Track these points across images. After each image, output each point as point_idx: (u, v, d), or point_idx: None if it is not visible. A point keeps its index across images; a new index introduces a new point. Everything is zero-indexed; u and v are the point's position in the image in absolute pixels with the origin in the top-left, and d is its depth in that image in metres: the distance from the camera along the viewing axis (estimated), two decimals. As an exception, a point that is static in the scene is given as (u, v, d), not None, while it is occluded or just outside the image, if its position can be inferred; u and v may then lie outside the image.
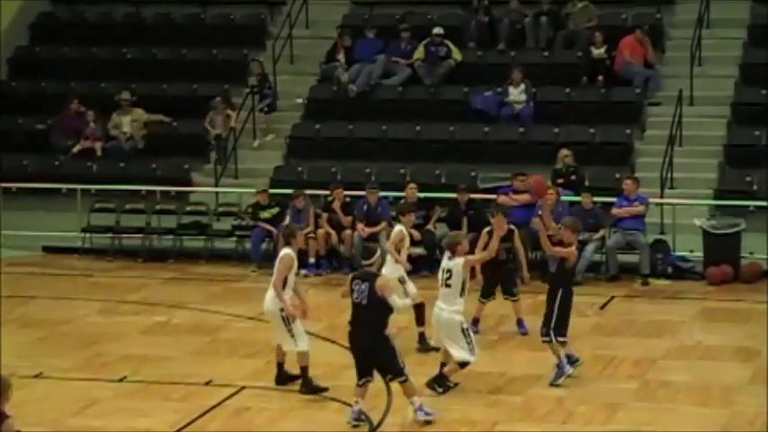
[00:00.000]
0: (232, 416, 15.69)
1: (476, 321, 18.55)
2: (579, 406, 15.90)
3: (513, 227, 18.47)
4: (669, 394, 16.41)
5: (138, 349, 18.44)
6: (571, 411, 15.74)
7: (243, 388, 16.28)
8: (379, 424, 15.32)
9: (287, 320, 15.72)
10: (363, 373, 14.84)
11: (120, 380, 17.03)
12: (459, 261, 15.73)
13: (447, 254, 15.99)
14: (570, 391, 16.41)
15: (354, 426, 14.73)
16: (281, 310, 15.68)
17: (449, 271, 15.80)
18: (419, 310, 17.67)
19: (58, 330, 19.39)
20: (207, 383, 16.67)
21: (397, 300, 14.99)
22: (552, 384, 16.30)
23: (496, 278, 18.49)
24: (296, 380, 16.06)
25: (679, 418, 15.52)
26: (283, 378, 16.23)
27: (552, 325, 16.29)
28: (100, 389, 16.72)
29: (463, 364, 16.02)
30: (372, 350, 14.71)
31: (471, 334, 16.00)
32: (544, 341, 16.41)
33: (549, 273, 16.79)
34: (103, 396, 16.46)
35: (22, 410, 13.03)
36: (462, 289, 15.83)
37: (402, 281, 17.73)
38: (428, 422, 14.86)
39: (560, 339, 16.36)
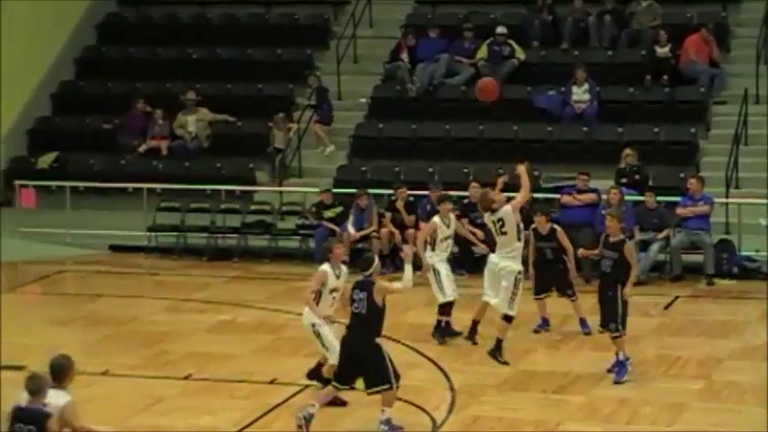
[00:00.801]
0: (295, 414, 15.73)
1: (545, 321, 18.65)
2: (644, 406, 15.83)
3: (555, 226, 18.59)
4: (735, 395, 16.30)
5: (202, 347, 18.52)
6: (635, 411, 15.67)
7: (306, 386, 16.29)
8: (443, 423, 15.32)
9: (318, 335, 15.66)
10: (344, 380, 14.67)
11: (186, 378, 17.12)
12: (506, 208, 16.71)
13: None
14: (634, 392, 16.34)
15: (299, 426, 14.54)
16: (313, 324, 15.61)
17: (500, 220, 16.67)
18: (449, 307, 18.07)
19: (124, 328, 19.51)
20: (271, 382, 16.72)
21: (398, 284, 14.98)
22: (617, 383, 16.25)
23: (548, 278, 18.55)
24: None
25: (745, 419, 15.42)
26: (314, 376, 16.21)
27: (619, 320, 16.31)
28: (165, 386, 16.81)
29: (508, 318, 16.83)
30: (366, 359, 14.53)
31: (520, 287, 16.81)
32: (614, 336, 16.37)
33: (604, 273, 16.68)
34: (169, 394, 16.55)
35: (88, 407, 13.08)
36: (518, 233, 16.71)
37: (436, 271, 17.96)
38: None
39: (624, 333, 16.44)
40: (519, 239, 16.84)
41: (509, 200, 17.17)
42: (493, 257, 17.22)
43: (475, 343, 17.65)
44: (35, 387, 11.52)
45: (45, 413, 11.38)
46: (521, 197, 17.05)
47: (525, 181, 17.06)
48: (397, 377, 14.65)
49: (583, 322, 18.53)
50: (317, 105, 26.24)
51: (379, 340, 14.57)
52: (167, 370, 17.45)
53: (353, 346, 14.59)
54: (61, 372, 11.90)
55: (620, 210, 19.46)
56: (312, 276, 15.85)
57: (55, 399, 11.63)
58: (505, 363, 16.91)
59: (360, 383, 14.71)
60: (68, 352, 17.13)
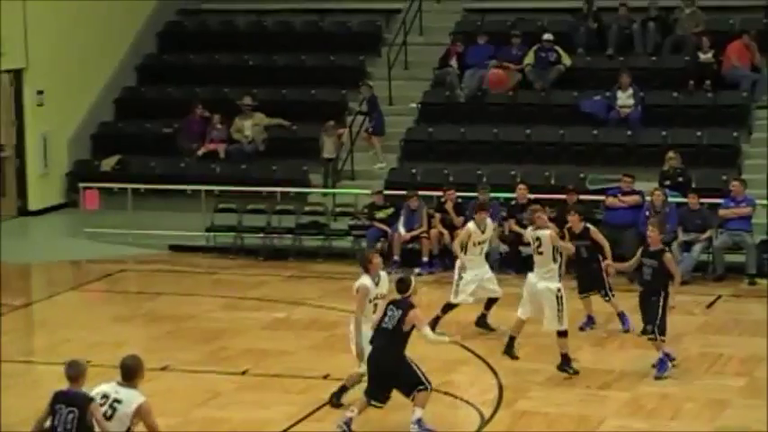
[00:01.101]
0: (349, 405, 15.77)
1: (590, 319, 18.61)
2: (686, 403, 15.79)
3: (588, 225, 18.60)
4: (776, 391, 16.25)
5: (259, 344, 18.57)
6: (678, 408, 15.63)
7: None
8: (491, 418, 15.32)
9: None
10: (379, 397, 14.51)
11: (243, 373, 17.17)
12: (546, 232, 16.74)
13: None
14: (677, 388, 16.30)
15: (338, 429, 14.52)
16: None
17: (538, 239, 16.75)
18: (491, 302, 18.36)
19: (183, 325, 19.58)
20: (324, 377, 16.74)
21: (429, 332, 14.80)
22: (658, 378, 16.23)
23: (586, 276, 18.63)
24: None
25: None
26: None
27: (657, 323, 16.28)
28: (223, 381, 16.88)
29: (562, 333, 16.58)
30: (394, 373, 14.43)
31: (564, 302, 16.63)
32: (650, 338, 16.36)
33: (646, 281, 16.65)
34: (226, 388, 16.62)
35: (150, 401, 13.11)
36: (555, 254, 16.68)
37: (461, 275, 18.03)
38: None
39: (662, 338, 16.37)
40: (555, 260, 16.76)
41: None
42: (531, 277, 17.08)
43: (515, 357, 17.31)
44: (75, 372, 11.64)
45: (87, 397, 11.49)
46: (569, 246, 17.50)
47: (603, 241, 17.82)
48: (429, 382, 14.62)
49: (622, 317, 18.50)
50: (368, 114, 26.25)
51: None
52: (225, 365, 17.51)
53: (382, 363, 14.44)
54: (131, 372, 11.99)
55: (662, 219, 19.47)
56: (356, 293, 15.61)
57: (128, 397, 11.73)
58: (576, 371, 16.64)
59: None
60: (130, 348, 17.32)
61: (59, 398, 11.58)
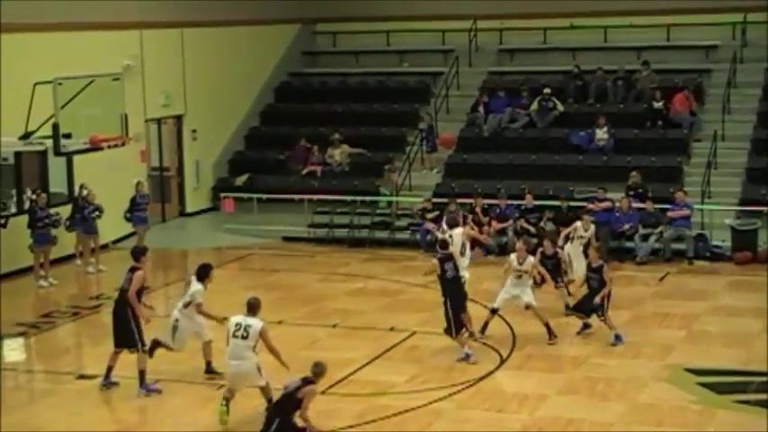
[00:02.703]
0: (407, 351, 15.82)
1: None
2: (644, 347, 15.77)
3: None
4: (707, 339, 16.23)
5: (345, 305, 18.63)
6: (639, 350, 15.63)
7: (414, 333, 16.36)
8: (508, 357, 15.30)
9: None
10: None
11: (334, 326, 17.26)
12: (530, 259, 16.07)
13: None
14: (638, 337, 16.25)
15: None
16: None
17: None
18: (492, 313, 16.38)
19: (292, 293, 19.66)
20: (390, 329, 16.81)
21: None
22: (614, 344, 15.80)
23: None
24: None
25: (714, 356, 15.28)
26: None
27: (603, 310, 15.89)
28: (320, 331, 16.97)
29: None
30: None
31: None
32: (602, 319, 15.92)
33: (593, 287, 15.90)
34: (322, 336, 16.72)
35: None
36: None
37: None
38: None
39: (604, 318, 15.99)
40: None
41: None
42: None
43: (554, 336, 16.01)
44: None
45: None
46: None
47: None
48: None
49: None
50: (426, 137, 26.18)
51: None
52: (322, 320, 17.59)
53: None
54: (253, 307, 12.41)
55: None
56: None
57: (254, 323, 12.65)
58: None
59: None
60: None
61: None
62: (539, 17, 28.43)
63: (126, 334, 14.11)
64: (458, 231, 17.20)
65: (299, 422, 11.78)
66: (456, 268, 15.29)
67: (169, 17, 25.52)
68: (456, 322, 15.01)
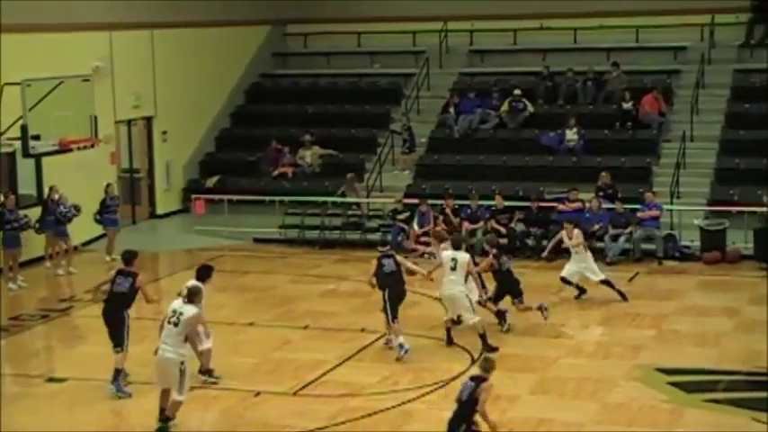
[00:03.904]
0: (379, 352, 15.81)
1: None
2: (614, 347, 15.78)
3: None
4: (677, 338, 16.29)
5: (316, 307, 18.60)
6: (609, 350, 15.64)
7: (385, 334, 16.31)
8: (479, 357, 15.30)
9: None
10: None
11: (305, 327, 17.23)
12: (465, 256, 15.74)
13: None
14: (608, 337, 16.29)
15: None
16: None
17: (453, 260, 15.56)
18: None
19: (264, 294, 19.61)
20: (362, 330, 16.78)
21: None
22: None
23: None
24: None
25: (684, 355, 15.36)
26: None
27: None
28: (292, 333, 16.94)
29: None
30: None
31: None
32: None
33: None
34: (294, 338, 16.68)
35: (242, 348, 13.26)
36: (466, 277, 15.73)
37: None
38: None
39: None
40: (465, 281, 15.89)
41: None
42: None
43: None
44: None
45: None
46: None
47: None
48: None
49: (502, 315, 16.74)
50: (406, 139, 26.09)
51: None
52: (293, 322, 17.54)
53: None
54: (192, 294, 12.79)
55: (599, 213, 19.24)
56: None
57: (187, 310, 12.54)
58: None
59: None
60: (225, 311, 17.44)
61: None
62: (509, 18, 28.50)
63: (117, 334, 14.12)
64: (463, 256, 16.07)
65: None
66: (397, 264, 15.63)
67: (139, 18, 25.40)
68: (392, 312, 15.37)
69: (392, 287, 15.53)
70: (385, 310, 15.49)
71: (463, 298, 15.56)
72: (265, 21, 30.45)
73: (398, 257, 16.02)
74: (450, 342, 15.85)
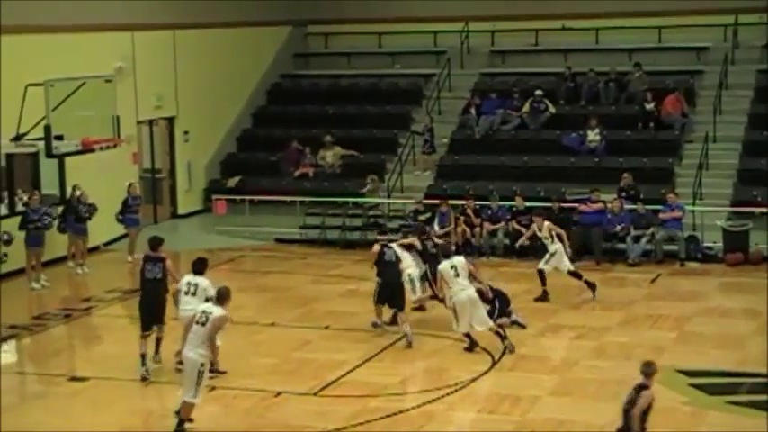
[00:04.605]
0: (399, 353, 15.82)
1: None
2: (636, 348, 15.70)
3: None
4: (699, 340, 16.23)
5: (337, 307, 18.62)
6: (630, 352, 15.54)
7: (404, 335, 16.30)
8: (500, 359, 15.30)
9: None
10: None
11: (326, 327, 17.25)
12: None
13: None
14: (630, 339, 16.26)
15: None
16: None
17: (453, 267, 15.58)
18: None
19: (284, 294, 19.65)
20: (384, 330, 16.74)
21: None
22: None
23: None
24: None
25: (706, 357, 15.30)
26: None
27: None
28: (312, 333, 16.96)
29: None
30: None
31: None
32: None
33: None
34: (314, 338, 16.70)
35: (260, 348, 13.29)
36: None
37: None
38: None
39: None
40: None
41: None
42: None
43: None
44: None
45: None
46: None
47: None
48: None
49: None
50: (427, 140, 26.11)
51: None
52: (313, 322, 17.57)
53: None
54: (223, 295, 12.84)
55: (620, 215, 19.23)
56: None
57: (216, 311, 12.59)
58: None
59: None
60: (246, 311, 17.48)
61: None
62: (530, 19, 28.46)
63: (159, 314, 14.95)
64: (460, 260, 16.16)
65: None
66: (396, 256, 16.51)
67: (161, 19, 25.51)
68: (378, 297, 16.37)
69: (389, 278, 16.37)
70: (375, 293, 16.43)
71: (478, 298, 15.57)
72: (287, 21, 30.52)
73: (398, 248, 16.86)
74: (473, 345, 15.67)
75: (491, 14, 28.88)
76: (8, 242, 19.35)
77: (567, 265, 18.48)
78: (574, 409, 13.40)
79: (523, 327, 16.67)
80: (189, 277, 14.73)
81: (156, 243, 15.36)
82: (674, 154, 24.72)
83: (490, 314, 15.84)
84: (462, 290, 15.42)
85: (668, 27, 27.48)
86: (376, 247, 16.75)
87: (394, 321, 16.51)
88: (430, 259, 17.16)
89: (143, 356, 14.76)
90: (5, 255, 19.18)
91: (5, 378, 15.60)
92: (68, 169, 22.20)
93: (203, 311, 12.69)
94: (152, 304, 14.98)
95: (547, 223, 18.69)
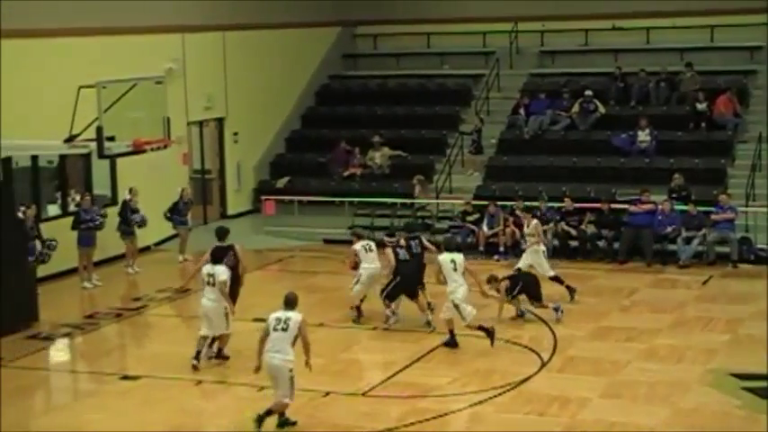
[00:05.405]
0: (448, 354, 15.80)
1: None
2: (687, 351, 15.60)
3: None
4: (751, 343, 16.06)
5: (384, 308, 18.56)
6: (682, 355, 15.50)
7: (454, 335, 16.28)
8: (549, 360, 15.23)
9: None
10: None
11: (374, 328, 17.26)
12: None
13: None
14: (681, 341, 16.14)
15: None
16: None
17: (453, 261, 15.92)
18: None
19: (333, 295, 19.59)
20: (431, 331, 16.73)
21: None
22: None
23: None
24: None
25: (758, 361, 15.14)
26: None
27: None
28: (360, 334, 17.00)
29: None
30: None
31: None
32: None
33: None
34: (362, 338, 16.75)
35: (312, 347, 13.22)
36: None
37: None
38: None
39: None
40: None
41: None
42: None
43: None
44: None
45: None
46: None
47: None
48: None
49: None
50: (475, 140, 26.07)
51: None
52: (361, 323, 17.58)
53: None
54: (292, 301, 13.02)
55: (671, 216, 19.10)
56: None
57: (294, 316, 12.85)
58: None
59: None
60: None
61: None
62: (580, 18, 28.31)
63: (234, 299, 15.63)
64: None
65: None
66: (410, 252, 16.98)
67: (211, 21, 25.70)
68: (389, 291, 16.93)
69: (406, 275, 16.88)
70: (385, 287, 16.93)
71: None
72: (336, 22, 30.61)
73: (401, 243, 17.29)
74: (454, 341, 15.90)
75: (540, 15, 28.78)
76: (52, 248, 19.63)
77: (547, 269, 18.39)
78: (624, 412, 13.30)
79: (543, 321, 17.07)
80: (208, 267, 15.24)
81: (222, 233, 16.02)
82: (727, 154, 24.46)
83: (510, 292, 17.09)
84: (460, 285, 15.81)
85: (720, 26, 27.20)
86: (389, 252, 17.16)
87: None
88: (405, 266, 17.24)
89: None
90: (49, 256, 19.45)
91: (57, 377, 15.82)
92: (119, 170, 22.43)
93: (278, 319, 12.84)
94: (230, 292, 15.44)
95: (535, 222, 18.93)
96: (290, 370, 12.65)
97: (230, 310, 15.27)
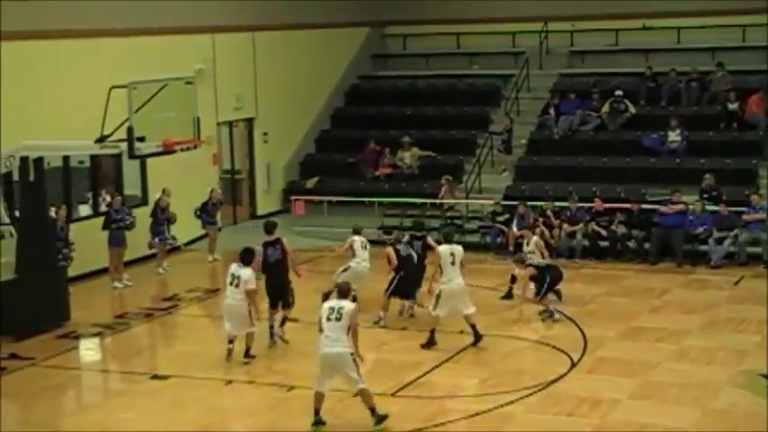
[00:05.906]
0: (476, 354, 15.75)
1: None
2: (719, 352, 15.55)
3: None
4: (783, 344, 15.89)
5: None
6: (713, 356, 15.41)
7: (483, 336, 16.22)
8: (579, 361, 15.17)
9: None
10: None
11: (403, 329, 17.23)
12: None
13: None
14: (712, 342, 16.05)
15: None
16: None
17: (452, 254, 15.99)
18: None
19: (362, 294, 19.10)
20: (460, 332, 16.55)
21: None
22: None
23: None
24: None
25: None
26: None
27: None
28: (389, 334, 16.98)
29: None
30: None
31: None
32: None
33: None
34: (391, 339, 16.73)
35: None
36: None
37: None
38: None
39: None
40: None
41: None
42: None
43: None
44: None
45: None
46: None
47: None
48: None
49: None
50: (505, 140, 26.00)
51: None
52: (390, 323, 17.45)
53: None
54: (345, 291, 13.14)
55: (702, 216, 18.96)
56: None
57: (347, 305, 12.87)
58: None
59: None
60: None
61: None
62: (610, 18, 28.17)
63: (285, 295, 16.19)
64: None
65: None
66: (410, 248, 17.21)
67: (241, 21, 25.77)
68: (391, 288, 17.11)
69: (408, 272, 17.03)
70: (388, 286, 17.06)
71: (466, 291, 16.03)
72: (365, 23, 30.62)
73: (401, 239, 17.57)
74: (477, 337, 15.96)
75: (570, 14, 28.65)
76: (72, 250, 19.81)
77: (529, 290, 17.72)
78: (654, 413, 13.21)
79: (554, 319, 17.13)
80: (234, 267, 15.36)
81: (270, 226, 16.33)
82: (758, 154, 24.25)
83: (538, 291, 17.09)
84: (454, 278, 15.86)
85: (752, 26, 26.97)
86: (389, 250, 17.33)
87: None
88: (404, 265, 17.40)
89: (271, 328, 16.16)
90: (71, 259, 19.59)
91: (87, 376, 15.90)
92: (150, 170, 22.53)
93: (332, 308, 12.82)
94: (277, 287, 16.08)
95: (535, 238, 18.41)
96: (352, 354, 12.74)
97: (255, 313, 15.33)
